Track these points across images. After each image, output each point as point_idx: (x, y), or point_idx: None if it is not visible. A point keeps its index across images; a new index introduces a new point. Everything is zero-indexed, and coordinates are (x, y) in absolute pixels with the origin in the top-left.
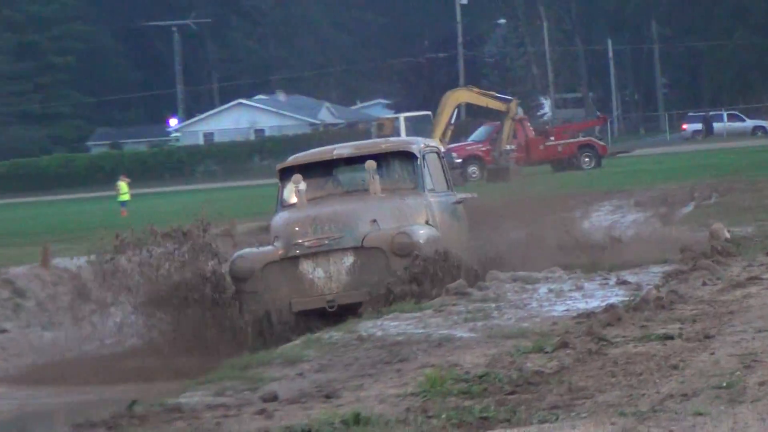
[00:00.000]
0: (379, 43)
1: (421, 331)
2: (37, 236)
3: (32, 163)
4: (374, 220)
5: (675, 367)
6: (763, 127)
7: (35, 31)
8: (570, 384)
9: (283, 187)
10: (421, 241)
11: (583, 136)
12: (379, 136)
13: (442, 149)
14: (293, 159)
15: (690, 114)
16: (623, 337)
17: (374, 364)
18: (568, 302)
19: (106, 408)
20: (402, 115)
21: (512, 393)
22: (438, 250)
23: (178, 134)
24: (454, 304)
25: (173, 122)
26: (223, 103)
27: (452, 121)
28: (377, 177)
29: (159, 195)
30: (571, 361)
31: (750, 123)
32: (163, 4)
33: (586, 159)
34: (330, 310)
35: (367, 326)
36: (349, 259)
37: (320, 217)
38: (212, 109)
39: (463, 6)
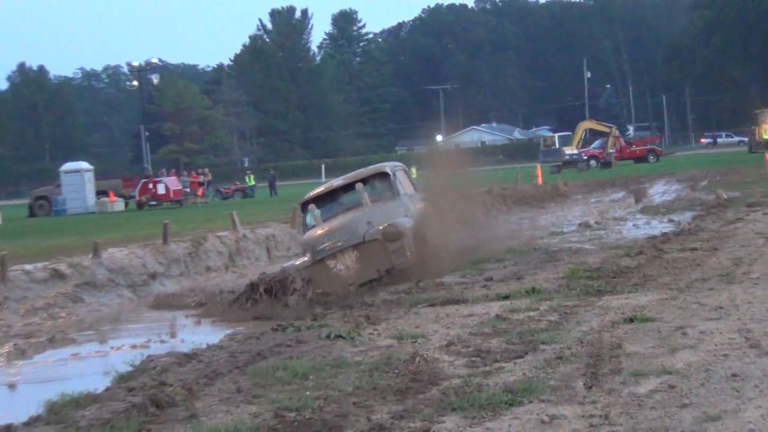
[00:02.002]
0: (543, 95)
1: (566, 245)
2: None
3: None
4: (369, 222)
5: (698, 264)
6: (743, 141)
7: (368, 89)
8: (643, 273)
9: (305, 215)
10: (404, 228)
11: (650, 146)
12: (545, 146)
13: (406, 167)
14: (308, 195)
15: (705, 134)
16: (671, 248)
17: (542, 262)
18: (642, 230)
19: (402, 283)
20: (557, 135)
21: (614, 277)
22: (415, 231)
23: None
24: (584, 232)
25: (439, 138)
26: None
27: (582, 137)
28: (366, 194)
29: None
30: (644, 261)
31: (737, 138)
32: (429, 74)
33: (651, 157)
34: (352, 290)
35: (538, 242)
36: (357, 252)
37: (331, 230)
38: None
39: (588, 78)
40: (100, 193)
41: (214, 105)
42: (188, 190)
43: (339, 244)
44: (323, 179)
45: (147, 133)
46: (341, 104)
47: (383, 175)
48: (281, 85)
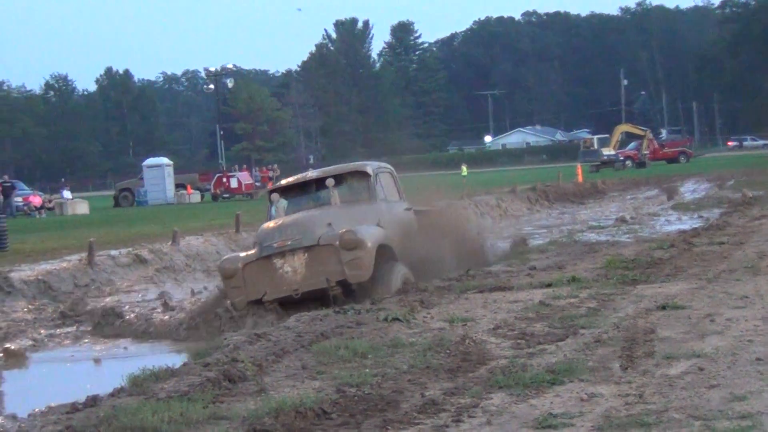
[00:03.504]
0: (583, 101)
1: (604, 238)
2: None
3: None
4: (329, 224)
5: (725, 257)
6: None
7: (423, 93)
8: (675, 264)
9: (270, 205)
10: (365, 237)
11: (681, 148)
12: (584, 147)
13: (394, 170)
14: (277, 184)
15: (732, 137)
16: (700, 242)
17: (582, 253)
18: (674, 225)
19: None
20: (596, 137)
21: (648, 268)
22: (381, 243)
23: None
24: (620, 226)
25: (487, 138)
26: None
27: (619, 139)
28: (336, 191)
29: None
30: (676, 253)
31: (761, 142)
32: (479, 80)
33: (682, 158)
34: (296, 297)
35: (580, 235)
36: (309, 256)
37: (285, 224)
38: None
39: (625, 85)
40: (179, 186)
41: (282, 107)
42: (259, 183)
43: (289, 242)
44: None
45: (221, 132)
46: (398, 107)
47: (362, 175)
48: (344, 90)
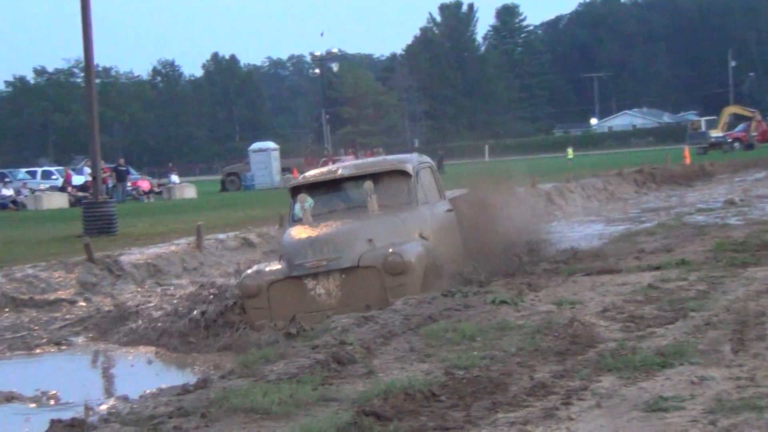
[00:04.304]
0: (690, 82)
1: (713, 220)
2: None
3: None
4: (370, 240)
5: None
6: None
7: (528, 76)
8: None
9: (293, 204)
10: (413, 260)
11: None
12: (692, 130)
13: (433, 163)
14: (303, 178)
15: None
16: None
17: (690, 236)
18: None
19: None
20: (703, 119)
21: (758, 250)
22: (429, 261)
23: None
24: (729, 208)
25: (593, 121)
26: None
27: (727, 121)
28: (374, 196)
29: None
30: None
31: None
32: (584, 62)
33: None
34: None
35: (689, 218)
36: (346, 278)
37: (319, 240)
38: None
39: (732, 66)
40: (285, 170)
41: (387, 91)
42: None
43: (325, 263)
44: (487, 159)
45: (327, 116)
46: (503, 90)
47: (402, 175)
48: (449, 73)
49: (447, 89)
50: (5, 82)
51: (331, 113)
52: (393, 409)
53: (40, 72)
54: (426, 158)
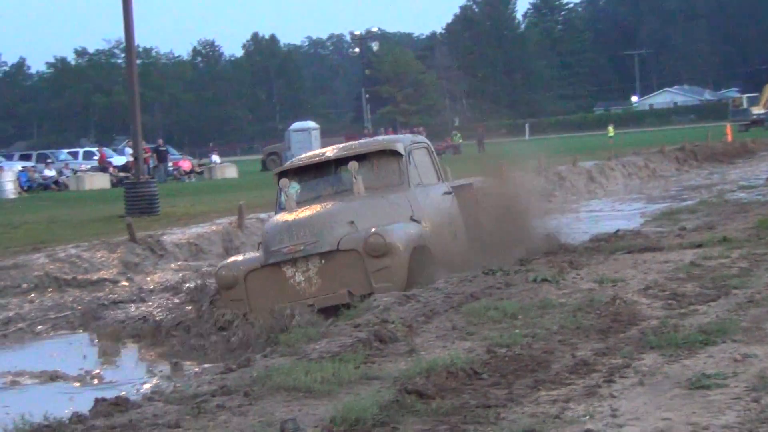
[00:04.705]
0: (731, 59)
1: (754, 198)
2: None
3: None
4: (351, 222)
5: None
6: None
7: (569, 54)
8: None
9: (279, 191)
10: (396, 241)
11: None
12: (733, 107)
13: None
14: (289, 163)
15: None
16: None
17: (732, 213)
18: None
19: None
20: (745, 96)
21: None
22: (417, 244)
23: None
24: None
25: (634, 99)
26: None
27: None
28: (360, 177)
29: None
30: None
31: None
32: (625, 40)
33: None
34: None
35: (731, 195)
36: (326, 264)
37: (296, 224)
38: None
39: None
40: None
41: (427, 70)
42: None
43: (302, 247)
44: (527, 137)
45: (367, 96)
46: (543, 68)
47: (392, 154)
48: (489, 51)
49: (487, 68)
50: (47, 63)
51: (371, 92)
52: (435, 387)
53: (81, 53)
54: (422, 138)
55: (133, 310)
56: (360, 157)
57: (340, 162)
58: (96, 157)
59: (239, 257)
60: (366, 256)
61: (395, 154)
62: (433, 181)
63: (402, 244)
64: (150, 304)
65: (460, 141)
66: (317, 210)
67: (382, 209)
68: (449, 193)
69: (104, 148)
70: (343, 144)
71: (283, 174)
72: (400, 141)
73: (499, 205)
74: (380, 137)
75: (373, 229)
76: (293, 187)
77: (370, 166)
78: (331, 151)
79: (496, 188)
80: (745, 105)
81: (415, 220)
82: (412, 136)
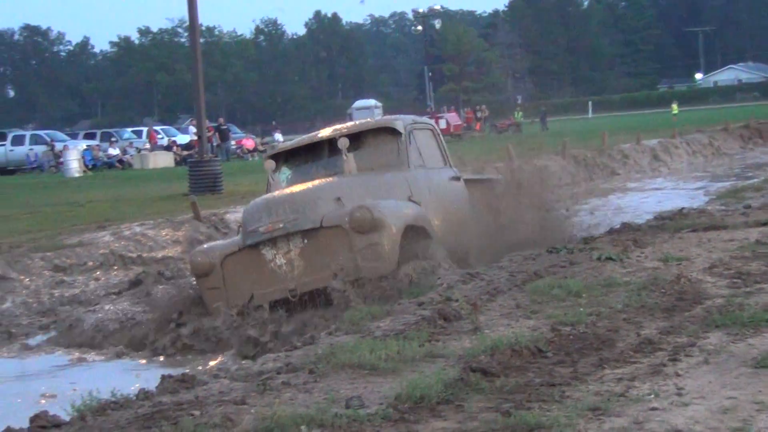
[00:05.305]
0: None
1: None
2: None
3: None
4: (338, 199)
5: None
6: None
7: (632, 31)
8: None
9: (269, 176)
10: (385, 216)
11: None
12: None
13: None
14: (278, 147)
15: None
16: None
17: None
18: None
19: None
20: None
21: None
22: (410, 223)
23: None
24: None
25: (698, 76)
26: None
27: None
28: (351, 155)
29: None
30: None
31: None
32: (689, 16)
33: None
34: (293, 299)
35: None
36: (309, 243)
37: (275, 201)
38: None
39: None
40: None
41: (490, 47)
42: (465, 125)
43: (281, 225)
44: (590, 115)
45: (429, 74)
46: (607, 46)
47: (390, 133)
48: (552, 29)
49: (550, 45)
50: (110, 42)
51: (434, 70)
52: (500, 365)
53: (144, 32)
54: (427, 120)
55: None
56: (356, 136)
57: (333, 143)
58: (160, 136)
59: (219, 242)
60: (352, 232)
61: (394, 132)
62: (438, 164)
63: (392, 220)
64: None
65: (522, 119)
66: (300, 187)
67: (375, 188)
68: (457, 178)
69: (154, 128)
70: (340, 125)
71: (274, 158)
72: (400, 119)
73: (522, 203)
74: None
75: (360, 204)
76: (283, 172)
77: (367, 145)
78: (324, 132)
79: (520, 182)
80: None
81: (414, 201)
82: (414, 116)
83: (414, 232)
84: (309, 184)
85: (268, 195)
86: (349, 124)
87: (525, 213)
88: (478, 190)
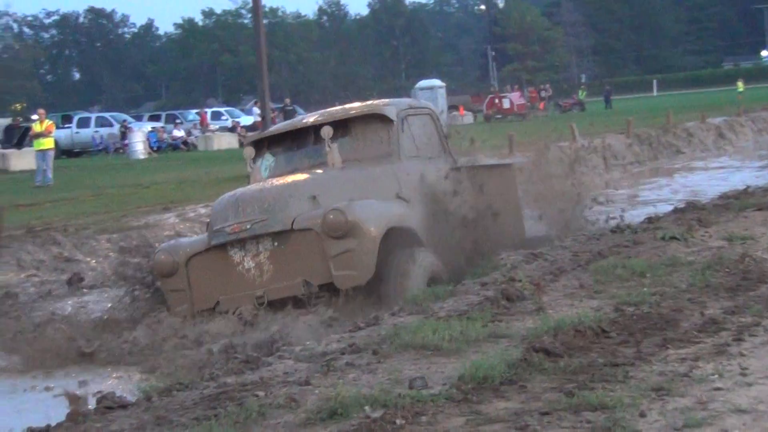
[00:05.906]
0: None
1: None
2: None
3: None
4: (314, 197)
5: None
6: None
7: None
8: None
9: (250, 164)
10: (362, 219)
11: None
12: None
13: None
14: (263, 132)
15: None
16: None
17: None
18: None
19: None
20: None
21: None
22: (393, 226)
23: None
24: None
25: (764, 53)
26: None
27: None
28: (335, 146)
29: None
30: None
31: None
32: None
33: None
34: (260, 306)
35: None
36: (279, 247)
37: (244, 198)
38: None
39: None
40: (451, 107)
41: (553, 26)
42: (528, 104)
43: (248, 225)
44: (655, 94)
45: (493, 53)
46: (671, 23)
47: (381, 120)
48: (616, 7)
49: (614, 23)
50: (174, 24)
51: (497, 50)
52: (563, 345)
53: (208, 14)
54: (424, 103)
55: None
56: (343, 124)
57: (319, 130)
58: (224, 117)
59: (184, 239)
60: (325, 236)
61: (384, 119)
62: (435, 154)
63: (370, 223)
64: None
65: (585, 98)
66: (273, 183)
67: (358, 184)
68: (456, 168)
69: (205, 110)
70: (325, 110)
71: (256, 145)
72: (392, 105)
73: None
74: (372, 102)
75: (335, 206)
76: (266, 160)
77: (354, 134)
78: (309, 117)
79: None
80: None
81: (402, 198)
82: (410, 100)
83: (399, 234)
84: (282, 180)
85: (238, 190)
86: (336, 109)
87: (549, 203)
88: (491, 177)
